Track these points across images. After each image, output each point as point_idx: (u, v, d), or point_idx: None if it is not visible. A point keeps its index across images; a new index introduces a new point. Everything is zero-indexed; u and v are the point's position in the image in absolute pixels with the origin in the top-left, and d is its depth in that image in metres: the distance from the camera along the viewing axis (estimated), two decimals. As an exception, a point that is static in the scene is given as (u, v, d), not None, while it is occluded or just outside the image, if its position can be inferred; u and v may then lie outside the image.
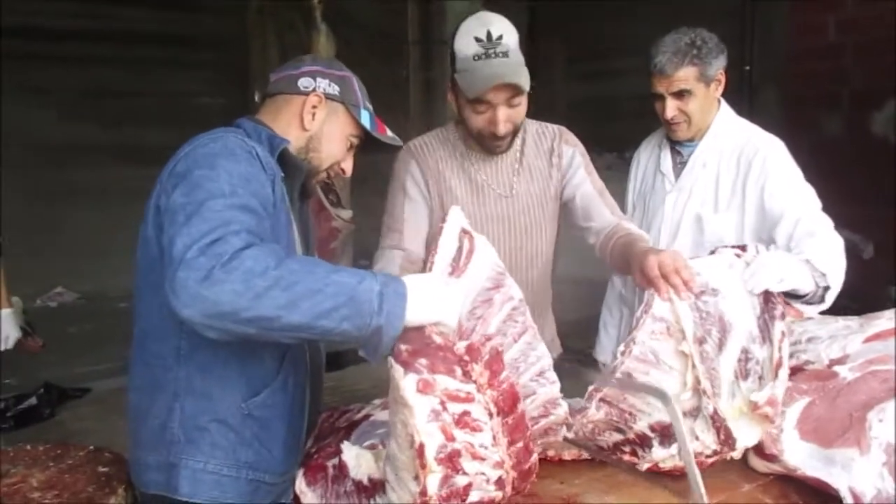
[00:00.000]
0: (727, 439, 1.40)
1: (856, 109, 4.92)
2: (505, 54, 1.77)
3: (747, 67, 5.33)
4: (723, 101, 2.21)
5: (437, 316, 1.26)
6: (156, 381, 1.43)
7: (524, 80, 1.77)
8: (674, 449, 1.44)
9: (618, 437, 1.50)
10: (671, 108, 2.13)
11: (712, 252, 1.62)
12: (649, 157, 2.36)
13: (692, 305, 1.49)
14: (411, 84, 5.02)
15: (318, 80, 1.53)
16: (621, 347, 1.51)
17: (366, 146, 1.63)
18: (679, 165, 2.25)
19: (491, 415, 1.26)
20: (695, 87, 2.10)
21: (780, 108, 5.24)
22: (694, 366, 1.44)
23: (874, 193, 4.60)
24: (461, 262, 1.40)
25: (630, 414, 1.48)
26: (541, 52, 6.88)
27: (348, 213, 4.78)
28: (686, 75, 2.08)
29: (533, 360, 1.41)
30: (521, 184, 1.97)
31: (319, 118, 1.53)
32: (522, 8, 7.08)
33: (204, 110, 6.10)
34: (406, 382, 1.19)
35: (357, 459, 1.43)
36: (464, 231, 1.43)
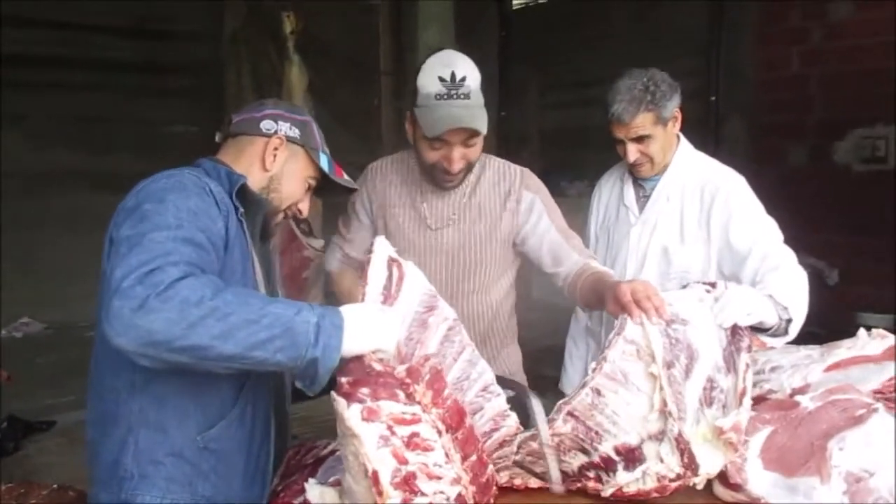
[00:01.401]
0: (690, 463, 1.42)
1: (820, 139, 5.04)
2: (466, 96, 1.80)
3: (713, 98, 5.45)
4: (681, 136, 2.28)
5: (375, 343, 1.28)
6: (108, 415, 1.41)
7: (482, 124, 1.82)
8: (638, 473, 1.46)
9: (583, 458, 1.51)
10: (632, 152, 2.18)
11: (684, 286, 1.68)
12: (611, 191, 2.40)
13: (662, 331, 1.52)
14: (383, 113, 5.07)
15: (280, 123, 1.58)
16: (593, 364, 1.53)
17: (322, 189, 1.67)
18: (642, 199, 2.30)
19: (440, 432, 1.28)
20: (653, 130, 2.15)
21: (746, 137, 5.35)
22: (662, 388, 1.46)
23: (838, 221, 4.71)
24: (392, 290, 1.42)
25: (596, 433, 1.49)
26: (513, 80, 6.99)
27: (320, 242, 4.77)
28: (643, 121, 2.13)
29: (475, 377, 1.45)
30: (466, 219, 2.00)
31: (280, 160, 1.57)
32: (495, 37, 7.20)
33: (178, 138, 6.08)
34: (350, 412, 1.21)
35: (321, 497, 1.42)
36: (391, 259, 1.45)
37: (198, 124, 6.31)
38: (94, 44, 6.04)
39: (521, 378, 2.17)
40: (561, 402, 1.53)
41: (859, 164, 4.88)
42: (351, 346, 1.25)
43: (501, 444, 1.47)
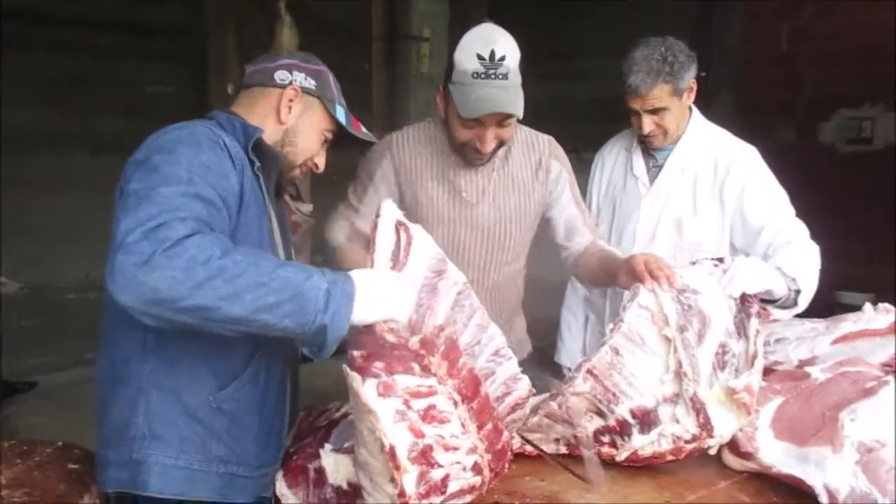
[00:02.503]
0: (706, 424, 1.44)
1: (807, 118, 5.08)
2: (504, 76, 1.74)
3: (703, 73, 5.44)
4: (693, 107, 2.25)
5: (387, 313, 1.25)
6: (118, 376, 1.39)
7: (519, 107, 1.77)
8: (653, 435, 1.47)
9: (598, 423, 1.52)
10: (648, 123, 2.14)
11: (693, 263, 1.70)
12: (615, 161, 2.37)
13: (674, 298, 1.55)
14: (374, 79, 5.00)
15: (295, 73, 1.52)
16: (610, 325, 1.55)
17: (339, 142, 1.62)
18: (653, 169, 2.28)
19: (456, 403, 1.27)
20: (669, 102, 2.12)
21: (734, 115, 5.37)
22: (676, 350, 1.48)
23: (823, 201, 4.75)
24: (401, 255, 1.39)
25: (613, 395, 1.50)
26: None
27: (308, 207, 4.72)
28: (660, 93, 2.09)
29: (486, 342, 1.43)
30: (500, 193, 1.96)
31: (296, 112, 1.52)
32: (482, 5, 7.11)
33: (158, 100, 5.95)
34: (366, 389, 1.18)
35: (336, 465, 1.42)
36: (399, 223, 1.42)
37: (180, 86, 6.20)
38: (80, 3, 5.87)
39: (527, 344, 2.18)
40: (581, 360, 1.55)
41: (845, 144, 4.92)
42: (362, 314, 1.22)
43: (514, 408, 1.47)
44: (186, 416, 1.38)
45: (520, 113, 1.77)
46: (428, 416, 1.23)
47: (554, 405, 1.52)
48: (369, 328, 1.24)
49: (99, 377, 1.44)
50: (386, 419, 1.18)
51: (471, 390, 1.29)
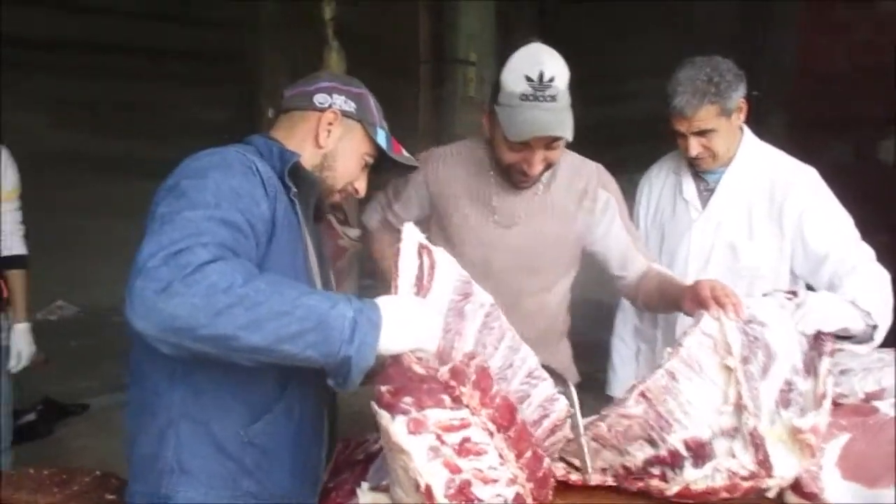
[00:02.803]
0: (764, 461, 1.37)
1: (863, 136, 4.92)
2: (553, 98, 1.69)
3: (754, 93, 5.33)
4: (745, 127, 2.17)
5: (415, 342, 1.20)
6: (147, 406, 1.34)
7: (568, 130, 1.71)
8: (707, 469, 1.40)
9: (649, 451, 1.46)
10: (695, 146, 2.06)
11: (765, 295, 1.65)
12: (664, 184, 2.29)
13: (740, 328, 1.49)
14: (421, 103, 5.01)
15: (335, 96, 1.49)
16: (668, 349, 1.50)
17: (380, 166, 1.59)
18: (705, 193, 2.19)
19: (491, 434, 1.22)
20: (716, 123, 2.03)
21: (788, 133, 5.24)
22: (737, 382, 1.42)
23: (883, 220, 4.58)
24: (425, 280, 1.33)
25: (666, 422, 1.44)
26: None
27: (356, 232, 4.73)
28: (707, 115, 2.01)
29: (518, 364, 1.38)
30: (539, 218, 1.91)
31: (335, 136, 1.49)
32: (533, 28, 7.10)
33: (209, 125, 6.06)
34: (396, 427, 1.14)
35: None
36: (421, 246, 1.35)
37: (231, 111, 6.32)
38: (132, 30, 6.05)
39: (573, 372, 2.11)
40: (635, 381, 1.50)
41: (903, 162, 4.76)
42: (389, 344, 1.17)
43: (553, 430, 1.41)
44: (216, 449, 1.33)
45: (569, 135, 1.73)
46: (463, 449, 1.19)
47: (603, 427, 1.46)
48: (396, 359, 1.19)
49: (129, 407, 1.40)
50: (419, 457, 1.14)
51: (506, 419, 1.25)
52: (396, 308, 1.21)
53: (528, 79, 1.69)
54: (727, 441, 1.40)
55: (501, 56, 1.79)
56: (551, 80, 1.69)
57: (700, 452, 1.41)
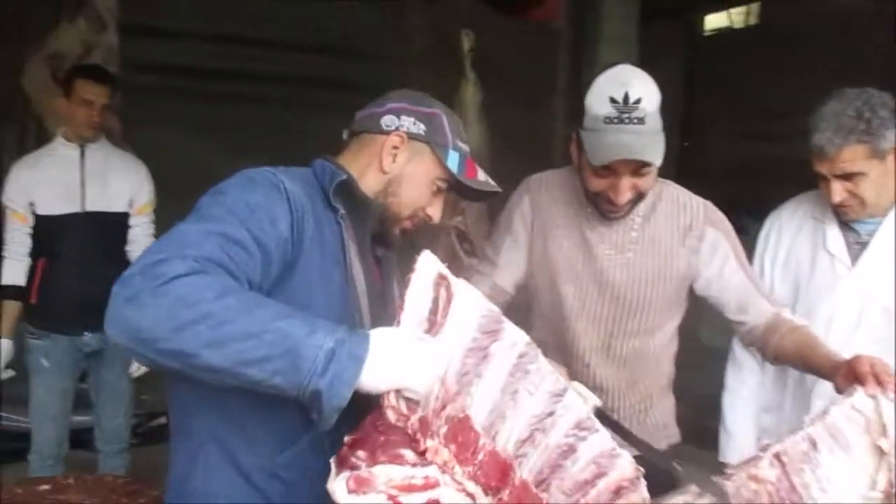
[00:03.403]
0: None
1: None
2: (640, 120, 1.58)
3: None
4: None
5: (401, 380, 1.09)
6: (181, 425, 1.32)
7: (656, 154, 1.60)
8: None
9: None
10: (838, 191, 1.82)
11: None
12: (798, 230, 2.02)
13: None
14: (558, 134, 4.94)
15: (403, 118, 1.41)
16: (810, 416, 1.38)
17: (457, 191, 1.47)
18: (855, 246, 1.92)
19: (472, 497, 1.08)
20: (865, 166, 1.78)
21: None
22: (890, 468, 1.27)
23: None
24: (439, 315, 1.17)
25: (800, 497, 1.28)
26: (698, 108, 6.62)
27: (483, 263, 4.69)
28: (852, 156, 1.77)
29: (561, 412, 1.19)
30: (636, 254, 1.78)
31: (401, 160, 1.40)
32: (681, 62, 6.85)
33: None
34: (336, 485, 1.01)
35: None
36: (440, 277, 1.19)
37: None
38: (289, 61, 6.39)
39: (674, 431, 1.94)
40: (767, 442, 1.36)
41: None
42: (372, 380, 1.07)
43: (617, 492, 1.19)
44: (243, 479, 1.27)
45: (656, 160, 1.61)
46: None
47: (730, 486, 1.27)
48: (381, 399, 1.09)
49: (170, 425, 1.38)
50: None
51: (495, 478, 1.10)
52: (389, 342, 1.10)
53: (613, 100, 1.59)
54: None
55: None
56: (637, 101, 1.58)
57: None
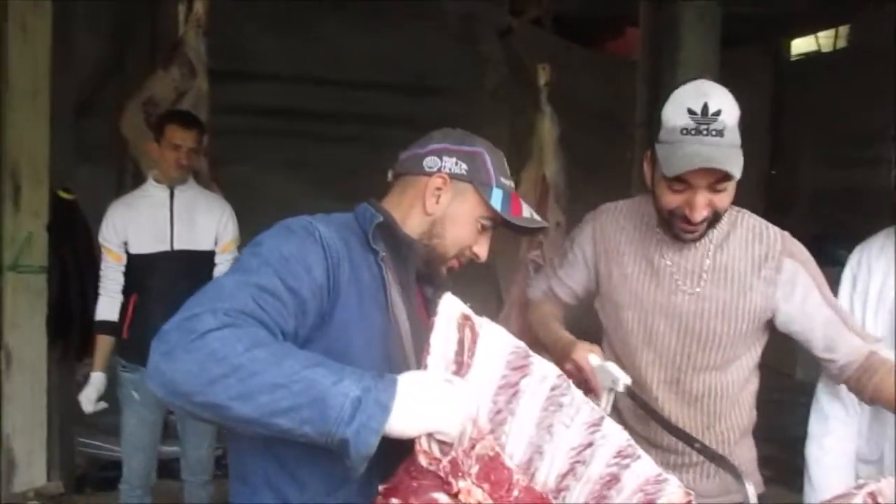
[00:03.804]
0: None
1: None
2: (719, 133, 1.52)
3: None
4: None
5: (432, 424, 1.07)
6: (237, 472, 1.33)
7: (735, 166, 1.52)
8: None
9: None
10: None
11: None
12: (890, 268, 1.85)
13: None
14: (635, 166, 4.87)
15: (445, 158, 1.39)
16: None
17: (505, 227, 1.44)
18: None
19: None
20: None
21: None
22: None
23: None
24: (465, 356, 1.16)
25: None
26: (786, 135, 6.42)
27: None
28: None
29: (600, 442, 1.14)
30: (707, 282, 1.69)
31: (444, 201, 1.39)
32: (768, 89, 6.67)
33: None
34: None
35: None
36: (464, 318, 1.18)
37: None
38: (366, 100, 6.55)
39: (756, 480, 1.78)
40: (863, 481, 1.27)
41: None
42: (401, 426, 1.06)
43: None
44: None
45: (736, 172, 1.52)
46: None
47: None
48: (413, 443, 1.08)
49: (229, 473, 1.39)
50: None
51: None
52: (417, 387, 1.09)
53: (691, 112, 1.52)
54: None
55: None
56: (717, 112, 1.52)
57: None
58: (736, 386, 1.76)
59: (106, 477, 3.50)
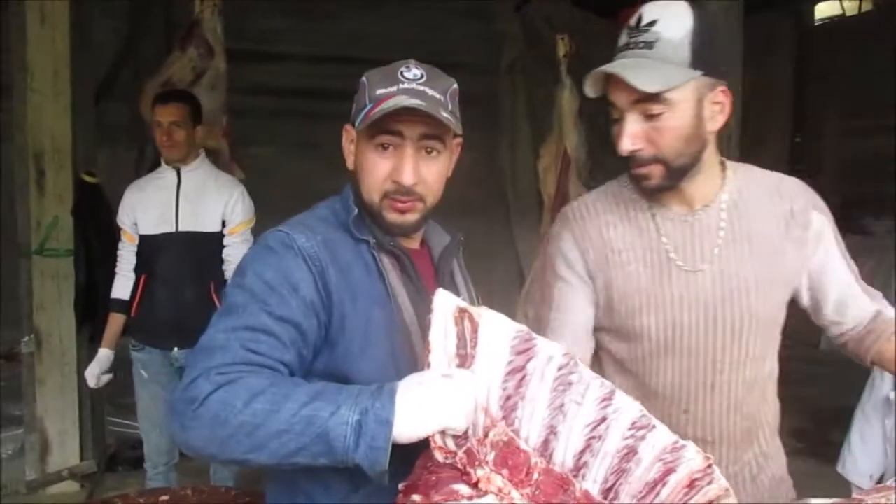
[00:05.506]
0: None
1: None
2: (647, 45, 1.27)
3: None
4: None
5: (438, 422, 1.07)
6: (273, 477, 1.37)
7: (647, 79, 1.24)
8: None
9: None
10: None
11: None
12: None
13: None
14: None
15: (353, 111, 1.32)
16: None
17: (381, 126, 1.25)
18: None
19: None
20: None
21: None
22: None
23: None
24: (468, 348, 1.15)
25: None
26: (810, 103, 6.30)
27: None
28: None
29: (613, 416, 1.13)
30: (730, 257, 1.40)
31: (352, 150, 1.34)
32: (791, 55, 6.54)
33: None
34: None
35: None
36: (460, 311, 1.16)
37: (475, 151, 6.54)
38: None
39: (788, 485, 1.54)
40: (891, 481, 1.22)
41: None
42: (408, 433, 1.06)
43: (690, 487, 1.08)
44: None
45: (648, 87, 1.24)
46: None
47: None
48: (426, 443, 1.08)
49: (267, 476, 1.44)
50: None
51: (555, 495, 1.07)
52: (416, 390, 1.08)
53: (628, 27, 1.32)
54: None
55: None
56: (651, 23, 1.28)
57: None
58: (771, 379, 1.51)
59: (137, 455, 3.57)
